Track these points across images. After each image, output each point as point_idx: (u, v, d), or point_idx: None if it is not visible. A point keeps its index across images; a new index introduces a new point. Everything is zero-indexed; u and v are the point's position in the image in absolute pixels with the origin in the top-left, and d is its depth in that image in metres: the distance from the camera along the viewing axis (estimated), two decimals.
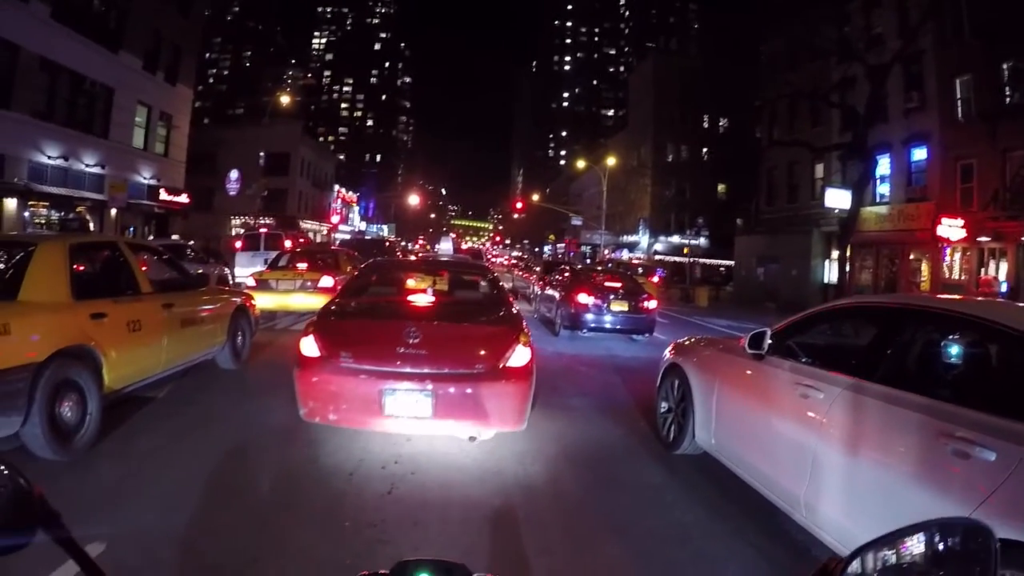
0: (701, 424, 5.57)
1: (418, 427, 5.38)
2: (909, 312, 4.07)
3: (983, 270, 24.24)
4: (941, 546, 0.91)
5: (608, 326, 14.11)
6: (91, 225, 25.70)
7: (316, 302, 13.72)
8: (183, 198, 32.84)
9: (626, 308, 14.11)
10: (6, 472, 0.96)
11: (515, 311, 6.68)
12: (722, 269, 50.76)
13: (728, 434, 5.19)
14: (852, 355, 4.39)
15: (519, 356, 5.56)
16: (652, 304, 14.51)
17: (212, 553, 3.73)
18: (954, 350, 3.96)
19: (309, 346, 5.51)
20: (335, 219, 66.27)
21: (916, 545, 0.90)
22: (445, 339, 5.60)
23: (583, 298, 14.01)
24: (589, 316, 13.95)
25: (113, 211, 27.11)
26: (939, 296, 6.20)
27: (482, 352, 5.54)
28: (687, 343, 6.65)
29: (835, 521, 3.71)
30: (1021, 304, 4.11)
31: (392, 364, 5.32)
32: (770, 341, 4.81)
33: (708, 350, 6.06)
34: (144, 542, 3.74)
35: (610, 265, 33.03)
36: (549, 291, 16.74)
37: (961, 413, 3.09)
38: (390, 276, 8.33)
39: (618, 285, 15.09)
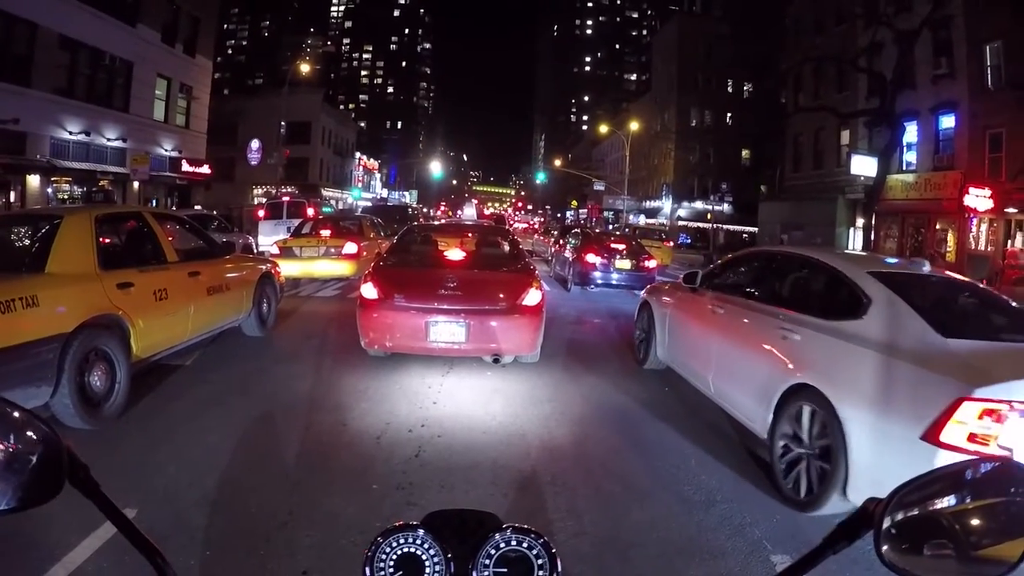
0: (660, 343, 7.34)
1: (454, 350, 6.77)
2: (775, 256, 6.40)
3: (1010, 242, 23.73)
4: (976, 485, 0.90)
5: (613, 282, 15.96)
6: (115, 198, 25.87)
7: (341, 268, 13.82)
8: (205, 169, 32.81)
9: (628, 267, 16.01)
10: (32, 422, 0.94)
11: (530, 264, 8.27)
12: (745, 236, 50.25)
13: (676, 348, 6.99)
14: (749, 285, 6.18)
15: (532, 297, 6.96)
16: (652, 263, 16.52)
17: (242, 516, 3.78)
18: (794, 276, 5.72)
19: (369, 290, 6.91)
20: (357, 186, 66.26)
21: (953, 485, 0.90)
22: (475, 283, 7.10)
23: (591, 257, 15.94)
24: (596, 274, 15.84)
25: (136, 184, 27.28)
26: (792, 246, 8.28)
27: (503, 294, 6.96)
28: (658, 286, 8.50)
29: (725, 391, 5.58)
30: (845, 249, 5.04)
31: (434, 302, 6.73)
32: (703, 279, 6.73)
33: (667, 289, 7.82)
34: (175, 506, 3.80)
35: (627, 231, 34.10)
36: (563, 253, 18.52)
37: (788, 314, 4.94)
38: (428, 236, 9.94)
39: (622, 247, 17.03)
